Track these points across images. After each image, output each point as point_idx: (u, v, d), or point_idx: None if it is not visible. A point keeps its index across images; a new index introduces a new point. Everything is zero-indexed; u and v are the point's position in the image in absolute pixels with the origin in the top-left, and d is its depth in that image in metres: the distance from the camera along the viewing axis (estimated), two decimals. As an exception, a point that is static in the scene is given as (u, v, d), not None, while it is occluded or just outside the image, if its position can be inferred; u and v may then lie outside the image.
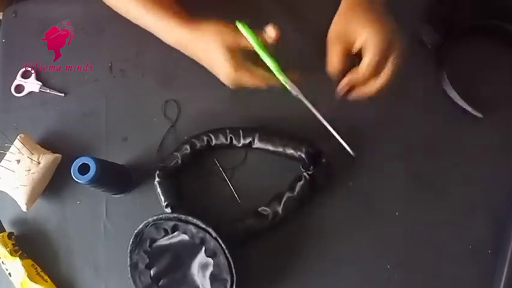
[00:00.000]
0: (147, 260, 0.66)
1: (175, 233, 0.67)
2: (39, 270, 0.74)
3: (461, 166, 0.73)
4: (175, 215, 0.67)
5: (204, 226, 0.65)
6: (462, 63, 0.77)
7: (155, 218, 0.67)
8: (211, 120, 0.76)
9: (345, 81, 0.62)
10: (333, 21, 0.61)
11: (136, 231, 0.67)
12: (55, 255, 0.76)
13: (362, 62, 0.59)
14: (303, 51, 0.78)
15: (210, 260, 0.65)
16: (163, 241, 0.67)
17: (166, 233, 0.67)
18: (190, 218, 0.66)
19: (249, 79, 0.61)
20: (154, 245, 0.67)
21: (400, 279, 0.69)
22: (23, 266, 0.73)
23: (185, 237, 0.67)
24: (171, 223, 0.66)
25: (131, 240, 0.67)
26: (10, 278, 0.74)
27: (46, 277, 0.74)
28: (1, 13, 0.94)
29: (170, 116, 0.79)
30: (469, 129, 0.75)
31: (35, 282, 0.72)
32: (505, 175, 0.72)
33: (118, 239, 0.72)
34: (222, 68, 0.62)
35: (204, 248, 0.66)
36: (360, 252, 0.70)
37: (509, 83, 0.77)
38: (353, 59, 0.62)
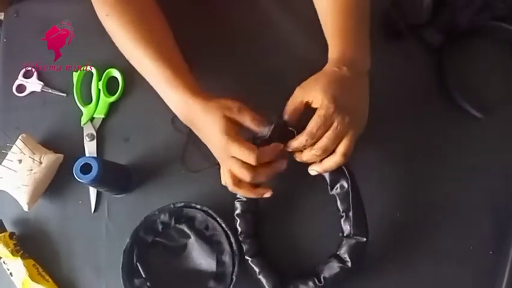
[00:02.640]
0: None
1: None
2: (40, 270, 0.74)
3: (461, 166, 0.73)
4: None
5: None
6: (463, 64, 0.77)
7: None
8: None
9: (290, 142, 0.63)
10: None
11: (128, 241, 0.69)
12: (56, 255, 0.76)
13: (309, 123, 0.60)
14: (303, 51, 0.79)
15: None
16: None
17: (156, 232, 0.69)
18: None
19: (238, 149, 0.60)
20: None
21: (400, 279, 0.69)
22: (24, 265, 0.73)
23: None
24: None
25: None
26: (11, 278, 0.74)
27: (47, 277, 0.74)
28: (1, 13, 0.94)
29: (171, 116, 0.79)
30: (469, 129, 0.75)
31: (37, 282, 0.72)
32: (506, 175, 0.72)
33: (120, 239, 0.72)
34: (215, 134, 0.62)
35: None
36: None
37: (509, 83, 0.77)
38: None
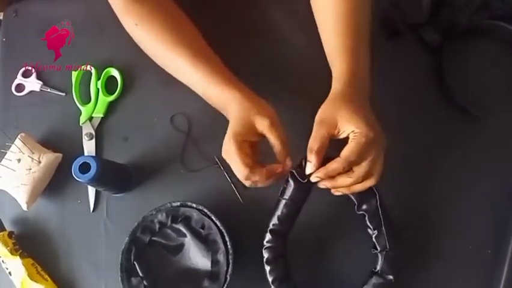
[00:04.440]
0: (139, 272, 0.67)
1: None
2: (39, 269, 0.74)
3: (461, 166, 0.73)
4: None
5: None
6: (462, 63, 0.77)
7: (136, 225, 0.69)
8: (214, 120, 0.76)
9: (322, 171, 0.59)
10: (321, 106, 0.61)
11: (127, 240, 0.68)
12: (55, 254, 0.76)
13: (345, 148, 0.58)
14: (304, 52, 0.79)
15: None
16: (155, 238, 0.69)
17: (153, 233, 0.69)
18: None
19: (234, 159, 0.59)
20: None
21: (400, 279, 0.69)
22: (23, 265, 0.73)
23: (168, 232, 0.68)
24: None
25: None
26: (10, 277, 0.74)
27: (46, 276, 0.74)
28: (1, 13, 0.95)
29: (170, 115, 0.79)
30: (469, 129, 0.75)
31: (36, 281, 0.72)
32: (505, 175, 0.72)
33: (119, 238, 0.72)
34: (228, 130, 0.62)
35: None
36: (361, 252, 0.70)
37: (509, 83, 0.77)
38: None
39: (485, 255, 0.69)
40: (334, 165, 0.58)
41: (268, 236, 0.65)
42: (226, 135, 0.62)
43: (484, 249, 0.69)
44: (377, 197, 0.64)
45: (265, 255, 0.65)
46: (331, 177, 0.59)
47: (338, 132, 0.59)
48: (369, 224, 0.65)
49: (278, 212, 0.64)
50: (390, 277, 0.63)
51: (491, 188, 0.72)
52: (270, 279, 0.64)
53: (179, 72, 0.71)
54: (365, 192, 0.63)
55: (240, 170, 0.59)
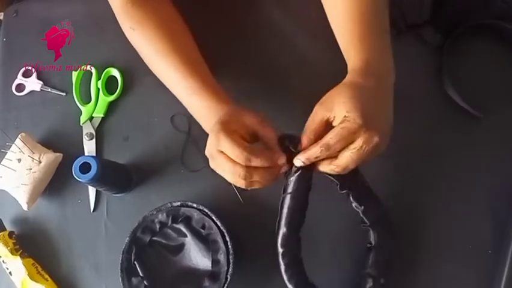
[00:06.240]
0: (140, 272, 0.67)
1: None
2: (39, 269, 0.74)
3: (461, 166, 0.73)
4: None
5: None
6: (462, 63, 0.77)
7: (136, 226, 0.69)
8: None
9: (303, 154, 0.56)
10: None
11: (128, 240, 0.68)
12: (56, 254, 0.76)
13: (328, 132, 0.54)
14: (305, 50, 0.79)
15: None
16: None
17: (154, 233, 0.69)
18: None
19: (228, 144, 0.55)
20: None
21: (399, 278, 0.69)
22: (23, 265, 0.73)
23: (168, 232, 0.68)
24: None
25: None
26: (11, 277, 0.74)
27: (47, 276, 0.74)
28: (1, 13, 0.95)
29: (171, 115, 0.79)
30: (469, 129, 0.75)
31: (36, 281, 0.72)
32: (506, 175, 0.72)
33: (119, 238, 0.72)
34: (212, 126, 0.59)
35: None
36: (360, 252, 0.70)
37: (509, 83, 0.77)
38: None
39: (485, 256, 0.69)
40: (313, 149, 0.54)
41: (281, 239, 0.60)
42: (210, 134, 0.59)
43: (484, 249, 0.69)
44: (359, 173, 0.62)
45: (282, 261, 0.59)
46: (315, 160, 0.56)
47: (334, 116, 0.55)
48: (353, 200, 0.63)
49: (285, 210, 0.59)
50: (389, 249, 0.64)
51: (491, 188, 0.72)
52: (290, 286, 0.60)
53: (169, 82, 0.71)
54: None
55: (237, 152, 0.54)
